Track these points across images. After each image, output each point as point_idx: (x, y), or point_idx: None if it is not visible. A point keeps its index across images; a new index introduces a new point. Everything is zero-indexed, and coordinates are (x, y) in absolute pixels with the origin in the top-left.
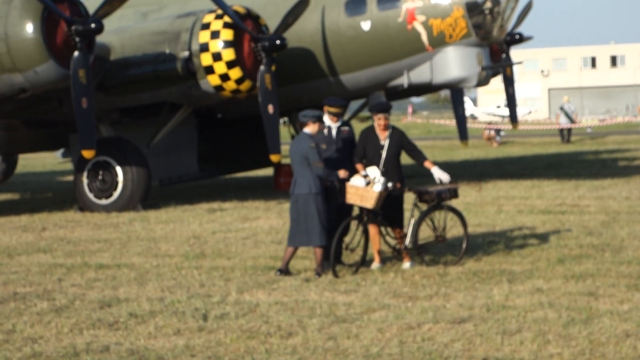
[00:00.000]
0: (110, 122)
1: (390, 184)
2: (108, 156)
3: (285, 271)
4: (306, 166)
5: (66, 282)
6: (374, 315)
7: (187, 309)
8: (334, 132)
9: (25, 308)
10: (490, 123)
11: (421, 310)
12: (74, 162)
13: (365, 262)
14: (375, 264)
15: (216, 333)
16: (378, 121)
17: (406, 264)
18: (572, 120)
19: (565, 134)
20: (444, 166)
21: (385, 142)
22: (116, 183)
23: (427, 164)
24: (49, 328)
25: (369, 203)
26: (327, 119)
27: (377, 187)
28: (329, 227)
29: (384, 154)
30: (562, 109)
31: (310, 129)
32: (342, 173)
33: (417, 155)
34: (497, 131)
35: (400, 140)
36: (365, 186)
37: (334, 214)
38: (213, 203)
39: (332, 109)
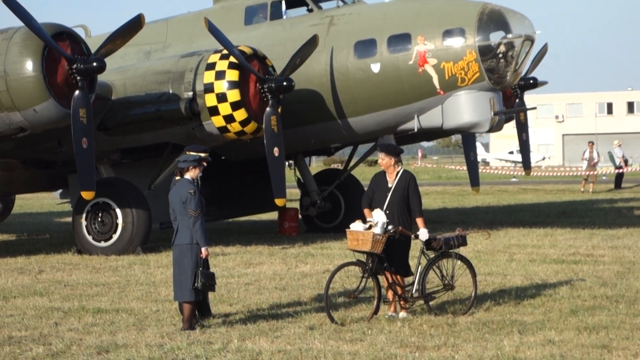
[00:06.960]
0: (110, 163)
1: (390, 227)
2: (108, 198)
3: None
4: (187, 214)
5: (63, 326)
6: None
7: (187, 356)
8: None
9: (20, 352)
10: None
11: None
12: (72, 203)
13: (378, 310)
14: (402, 313)
15: None
16: (380, 161)
17: (402, 314)
18: (617, 166)
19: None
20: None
21: (392, 185)
22: (116, 225)
23: (418, 220)
24: None
25: (366, 246)
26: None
27: (376, 230)
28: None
29: (389, 196)
30: (610, 153)
31: (190, 174)
32: (204, 252)
33: (413, 205)
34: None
35: (407, 184)
36: (363, 230)
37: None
38: (215, 247)
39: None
